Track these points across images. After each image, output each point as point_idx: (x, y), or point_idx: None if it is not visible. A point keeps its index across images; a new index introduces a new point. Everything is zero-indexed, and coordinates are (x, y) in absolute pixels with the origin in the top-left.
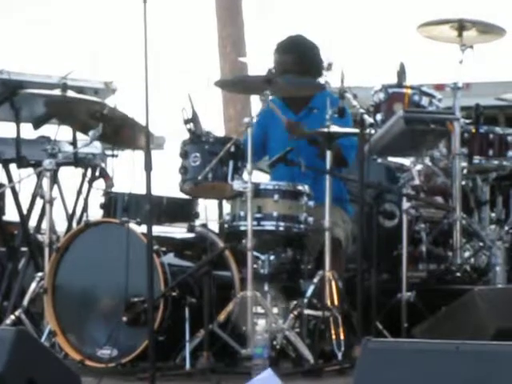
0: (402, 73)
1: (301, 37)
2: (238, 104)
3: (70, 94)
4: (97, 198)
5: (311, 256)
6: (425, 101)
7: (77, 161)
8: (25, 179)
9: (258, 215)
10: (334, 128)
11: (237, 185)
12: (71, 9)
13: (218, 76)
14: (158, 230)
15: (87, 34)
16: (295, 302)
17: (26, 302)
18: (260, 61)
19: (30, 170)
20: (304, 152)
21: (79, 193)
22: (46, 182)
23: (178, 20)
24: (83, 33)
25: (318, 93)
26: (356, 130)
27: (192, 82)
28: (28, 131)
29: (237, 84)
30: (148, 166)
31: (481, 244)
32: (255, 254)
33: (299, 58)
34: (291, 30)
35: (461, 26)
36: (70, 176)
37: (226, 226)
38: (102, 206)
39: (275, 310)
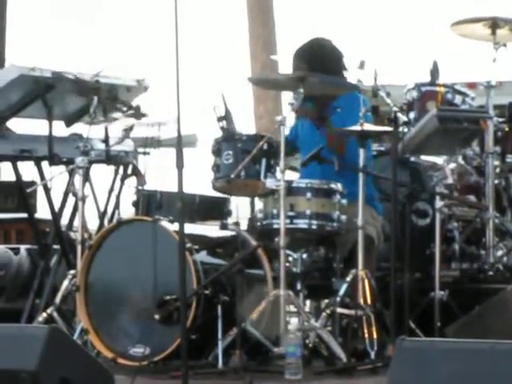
0: (435, 71)
1: (317, 42)
2: (269, 102)
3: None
4: (129, 196)
5: (343, 255)
6: (458, 99)
7: (109, 158)
8: (57, 177)
9: (291, 213)
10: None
11: (270, 183)
12: (104, 8)
13: (249, 74)
14: (191, 228)
15: (120, 33)
16: (327, 301)
17: (58, 299)
18: (291, 60)
19: (62, 167)
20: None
21: (111, 190)
22: (78, 180)
23: (210, 19)
24: (116, 31)
25: (340, 94)
26: (390, 129)
27: (223, 81)
28: (60, 129)
29: (271, 81)
30: (180, 164)
31: None
32: (287, 252)
33: (311, 64)
34: (322, 29)
35: (494, 24)
36: (102, 174)
37: (258, 223)
38: (134, 204)
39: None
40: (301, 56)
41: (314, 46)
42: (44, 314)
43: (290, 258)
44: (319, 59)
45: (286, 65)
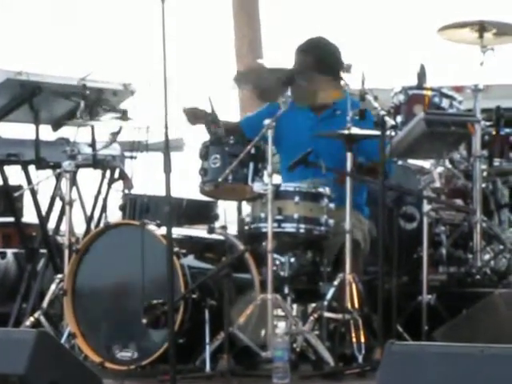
0: (422, 74)
1: (321, 38)
2: (255, 106)
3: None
4: (116, 200)
5: (330, 259)
6: (445, 103)
7: (96, 162)
8: (44, 181)
9: (279, 217)
10: (355, 130)
11: (257, 187)
12: (88, 9)
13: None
14: (178, 232)
15: (105, 35)
16: (315, 305)
17: (45, 303)
18: (277, 62)
19: (49, 171)
20: (323, 152)
21: (98, 194)
22: (64, 184)
23: (195, 20)
24: (101, 33)
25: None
26: (377, 132)
27: (209, 84)
28: (47, 133)
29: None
30: (167, 168)
31: (501, 247)
32: (275, 256)
33: (319, 59)
34: (308, 31)
35: (481, 27)
36: (89, 178)
37: (246, 227)
38: (121, 208)
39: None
40: (306, 51)
41: (320, 41)
42: (31, 318)
43: (278, 262)
44: (326, 56)
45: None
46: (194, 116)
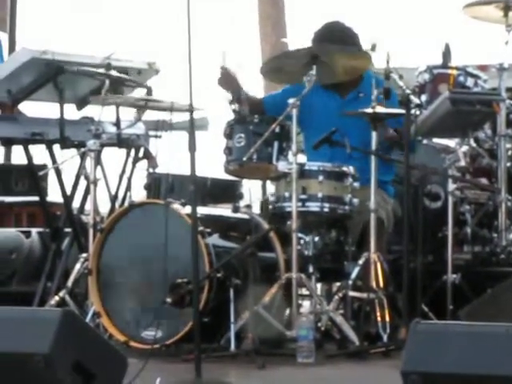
0: (447, 53)
1: (337, 24)
2: (279, 86)
3: (114, 73)
4: (140, 179)
5: (354, 237)
6: (470, 82)
7: (120, 141)
8: (68, 160)
9: (303, 196)
10: (380, 109)
11: (282, 166)
12: None
13: (259, 57)
14: (203, 211)
15: (130, 14)
16: (339, 284)
17: (70, 283)
18: (301, 42)
19: (74, 150)
20: (348, 133)
21: (122, 174)
22: (89, 163)
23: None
24: (126, 12)
25: (365, 76)
26: (402, 111)
27: (234, 63)
28: (72, 112)
29: (281, 69)
30: (192, 147)
31: None
32: (299, 235)
33: (336, 45)
34: (332, 10)
35: (506, 6)
36: (114, 157)
37: (270, 207)
38: (146, 187)
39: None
40: (323, 38)
41: (335, 27)
42: (56, 298)
43: (302, 241)
44: (343, 41)
45: (296, 47)
46: (228, 80)
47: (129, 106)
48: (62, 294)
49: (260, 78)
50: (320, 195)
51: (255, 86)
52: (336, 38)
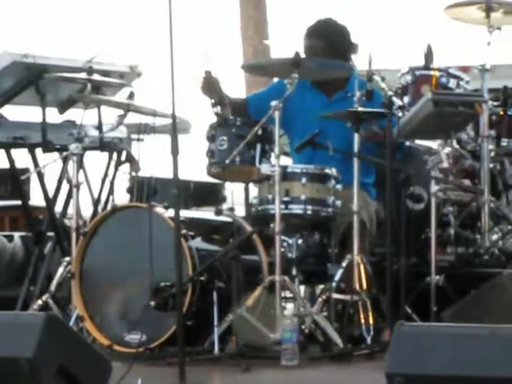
0: (429, 55)
1: (331, 20)
2: (261, 87)
3: (96, 77)
4: (123, 183)
5: (337, 239)
6: (452, 83)
7: (102, 145)
8: (50, 164)
9: (286, 198)
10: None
11: (264, 168)
12: None
13: (241, 59)
14: (186, 214)
15: (110, 17)
16: (323, 286)
17: (53, 287)
18: (283, 43)
19: (56, 154)
20: (331, 135)
21: (105, 177)
22: (72, 167)
23: (202, 1)
24: (107, 15)
25: (352, 77)
26: (384, 110)
27: (215, 65)
28: (53, 115)
29: (263, 68)
30: (175, 150)
31: (509, 227)
32: (283, 237)
33: (329, 42)
34: (315, 12)
35: (488, 7)
36: (96, 160)
37: (253, 209)
38: (129, 191)
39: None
40: (316, 34)
41: (328, 24)
42: (39, 302)
43: (285, 244)
44: (336, 38)
45: (278, 49)
46: (210, 86)
47: (111, 106)
48: (44, 297)
49: (241, 78)
50: (303, 197)
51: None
52: (327, 38)
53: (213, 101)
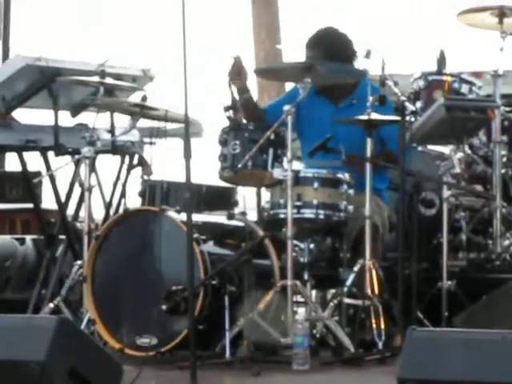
0: (441, 60)
1: (329, 29)
2: (273, 91)
3: (108, 80)
4: (135, 186)
5: (349, 244)
6: (465, 88)
7: (115, 148)
8: (63, 167)
9: (298, 203)
10: (375, 116)
11: (277, 173)
12: None
13: (253, 63)
14: (198, 218)
15: (125, 22)
16: (334, 291)
17: (64, 290)
18: (295, 48)
19: (68, 157)
20: (344, 139)
21: (117, 181)
22: (84, 170)
23: (215, 6)
24: (120, 19)
25: (360, 84)
26: (397, 118)
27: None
28: (66, 119)
29: (276, 72)
30: (187, 154)
31: None
32: (294, 242)
33: (329, 51)
34: (327, 17)
35: (501, 13)
36: (108, 164)
37: (265, 214)
38: (141, 194)
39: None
40: (316, 44)
41: (328, 34)
42: (51, 305)
43: (297, 248)
44: (335, 47)
45: (290, 54)
46: (239, 72)
47: (123, 111)
48: (56, 301)
49: (253, 82)
50: (315, 202)
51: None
52: (326, 47)
53: (225, 105)
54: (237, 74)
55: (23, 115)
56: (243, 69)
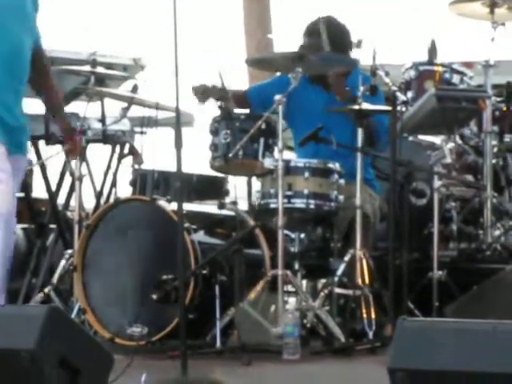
0: (432, 50)
1: (330, 18)
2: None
3: (99, 70)
4: (126, 175)
5: (340, 234)
6: (456, 78)
7: (105, 138)
8: (53, 156)
9: (289, 193)
10: (366, 105)
11: (267, 162)
12: None
13: (244, 53)
14: (188, 208)
15: (115, 11)
16: (325, 281)
17: (55, 279)
18: (286, 38)
19: (59, 146)
20: (335, 129)
21: (108, 170)
22: (74, 159)
23: None
24: (111, 9)
25: (351, 71)
26: (388, 108)
27: (218, 59)
28: None
29: (267, 62)
30: (178, 143)
31: (511, 223)
32: (285, 231)
33: (329, 40)
34: (318, 7)
35: (492, 2)
36: (99, 153)
37: (256, 203)
38: (131, 183)
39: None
40: (316, 32)
41: (328, 22)
42: (41, 294)
43: (288, 238)
44: (334, 37)
45: (281, 43)
46: (204, 93)
47: (115, 99)
48: (47, 290)
49: (244, 72)
50: (306, 192)
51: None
52: (329, 34)
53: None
54: (203, 96)
55: None
56: (206, 88)
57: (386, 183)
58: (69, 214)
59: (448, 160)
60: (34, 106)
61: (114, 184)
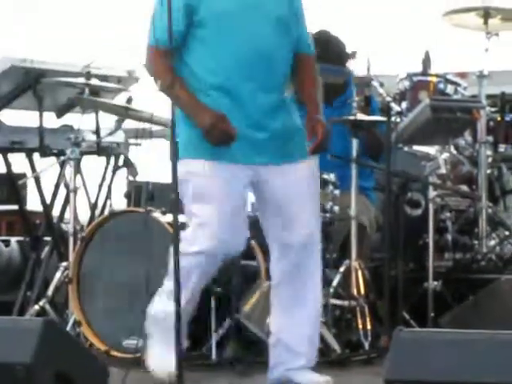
0: (427, 61)
1: (323, 32)
2: None
3: (94, 82)
4: (120, 188)
5: (336, 244)
6: (450, 89)
7: (100, 150)
8: (48, 168)
9: None
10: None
11: None
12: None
13: None
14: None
15: (109, 21)
16: None
17: (50, 292)
18: None
19: (53, 159)
20: (336, 140)
21: (102, 182)
22: (69, 171)
23: None
24: (105, 20)
25: (349, 81)
26: (383, 118)
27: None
28: (51, 120)
29: None
30: (173, 155)
31: (506, 233)
32: None
33: (322, 53)
34: (312, 17)
35: (486, 13)
36: (94, 165)
37: (251, 215)
38: (126, 196)
39: None
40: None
41: (320, 36)
42: (36, 307)
43: None
44: (328, 50)
45: None
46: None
47: (108, 111)
48: (42, 303)
49: None
50: None
51: None
52: (319, 48)
53: None
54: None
55: (8, 116)
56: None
57: (381, 194)
58: (64, 226)
59: (443, 170)
60: (28, 118)
61: (108, 196)
